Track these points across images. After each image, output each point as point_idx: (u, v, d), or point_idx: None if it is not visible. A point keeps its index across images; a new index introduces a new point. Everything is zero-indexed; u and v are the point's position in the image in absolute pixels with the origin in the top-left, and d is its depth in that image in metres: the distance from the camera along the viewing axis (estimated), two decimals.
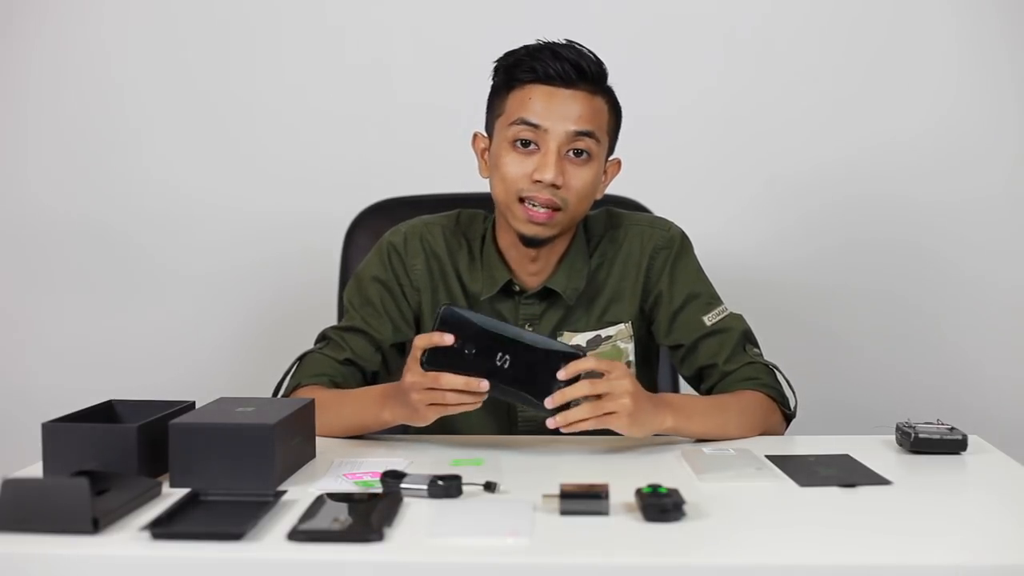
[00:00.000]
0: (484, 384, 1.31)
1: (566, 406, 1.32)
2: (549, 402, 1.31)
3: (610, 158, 1.63)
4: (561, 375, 1.31)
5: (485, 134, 1.63)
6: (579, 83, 1.53)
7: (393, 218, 1.77)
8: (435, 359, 1.33)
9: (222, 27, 2.48)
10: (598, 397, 1.32)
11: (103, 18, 2.49)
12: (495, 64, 1.60)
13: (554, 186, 1.51)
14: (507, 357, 1.32)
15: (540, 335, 1.38)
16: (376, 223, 1.92)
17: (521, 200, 1.54)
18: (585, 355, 1.34)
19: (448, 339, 1.31)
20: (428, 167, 1.90)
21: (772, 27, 2.43)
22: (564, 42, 1.56)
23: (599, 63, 1.56)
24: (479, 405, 1.35)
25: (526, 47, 1.57)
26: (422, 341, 1.33)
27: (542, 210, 1.53)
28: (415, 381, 1.34)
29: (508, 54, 1.58)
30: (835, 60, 2.43)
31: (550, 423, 1.33)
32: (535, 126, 1.52)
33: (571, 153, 1.53)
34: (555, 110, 1.52)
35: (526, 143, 1.54)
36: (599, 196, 1.63)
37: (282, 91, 2.48)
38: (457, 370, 1.32)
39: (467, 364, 1.32)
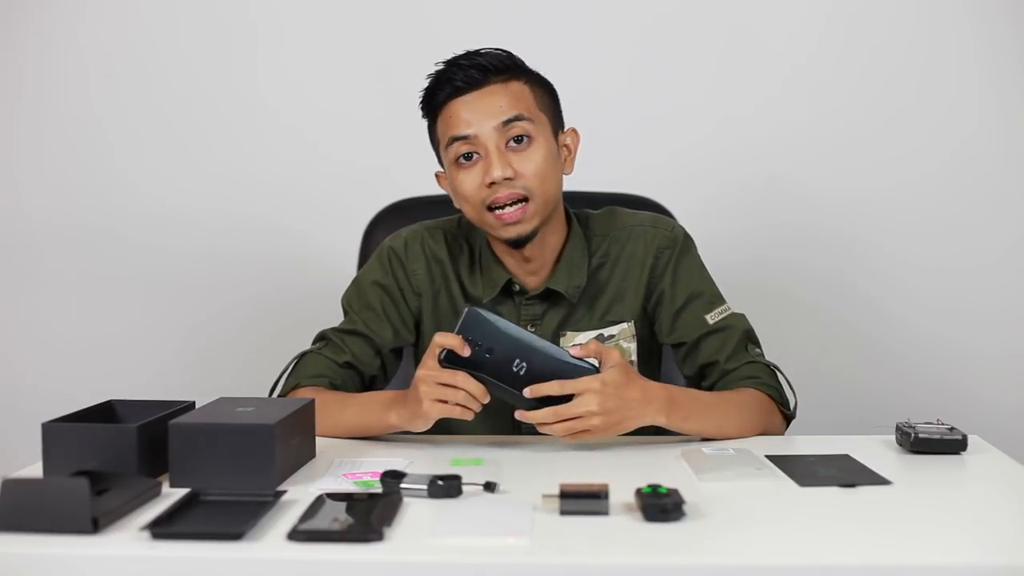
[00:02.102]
0: (486, 398, 1.36)
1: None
2: (529, 391, 1.35)
3: (564, 130, 1.63)
4: (527, 393, 1.35)
5: (444, 170, 1.64)
6: (487, 80, 1.54)
7: (412, 218, 1.77)
8: (453, 357, 1.36)
9: (225, 26, 2.49)
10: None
11: (100, 20, 2.50)
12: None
13: (508, 179, 1.52)
14: (524, 364, 1.36)
15: (560, 347, 1.40)
16: (394, 223, 1.91)
17: (490, 209, 1.54)
18: (598, 370, 1.37)
19: (466, 351, 1.35)
20: None
21: (771, 27, 2.43)
22: (464, 52, 1.57)
23: (502, 55, 1.57)
24: (471, 417, 1.38)
25: (431, 75, 1.58)
26: (442, 339, 1.36)
27: (511, 208, 1.54)
28: (429, 373, 1.37)
29: (422, 90, 1.59)
30: (834, 60, 2.43)
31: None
32: (465, 137, 1.54)
33: (512, 143, 1.54)
34: (476, 113, 1.53)
35: (468, 156, 1.55)
36: (568, 171, 1.63)
37: (297, 91, 2.49)
38: (474, 370, 1.35)
39: (485, 366, 1.36)
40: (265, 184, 2.50)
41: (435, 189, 1.69)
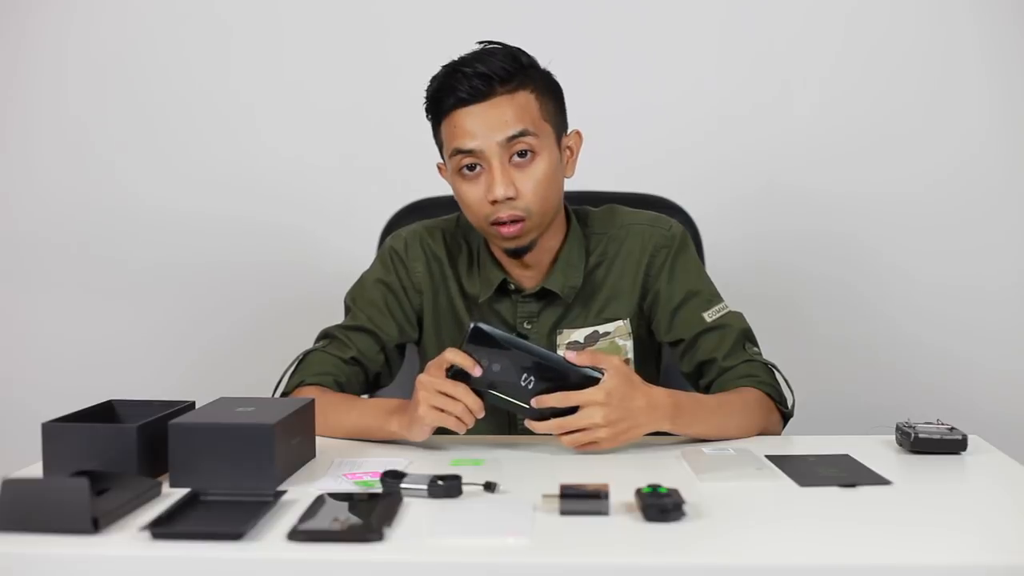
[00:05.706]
0: (482, 414, 1.37)
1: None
2: (535, 402, 1.36)
3: (567, 132, 1.63)
4: (533, 404, 1.35)
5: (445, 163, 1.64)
6: (493, 91, 1.52)
7: (429, 219, 1.76)
8: (461, 374, 1.36)
9: (225, 26, 2.49)
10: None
11: (99, 20, 2.50)
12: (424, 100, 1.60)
13: (510, 199, 1.52)
14: (532, 378, 1.36)
15: (563, 358, 1.38)
16: (410, 224, 1.89)
17: (492, 223, 1.55)
18: (604, 375, 1.36)
19: (477, 371, 1.35)
20: None
21: (772, 29, 2.43)
22: (472, 53, 1.55)
23: (509, 59, 1.54)
24: (462, 432, 1.38)
25: (437, 77, 1.56)
26: (453, 356, 1.37)
27: (510, 226, 1.54)
28: (432, 380, 1.37)
29: (427, 88, 1.58)
30: (834, 61, 2.43)
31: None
32: (470, 151, 1.53)
33: (515, 157, 1.53)
34: (481, 127, 1.52)
35: (471, 167, 1.55)
36: (569, 174, 1.63)
37: (299, 91, 2.49)
38: (481, 387, 1.36)
39: (493, 381, 1.36)
40: (264, 184, 2.51)
41: (446, 190, 1.68)
